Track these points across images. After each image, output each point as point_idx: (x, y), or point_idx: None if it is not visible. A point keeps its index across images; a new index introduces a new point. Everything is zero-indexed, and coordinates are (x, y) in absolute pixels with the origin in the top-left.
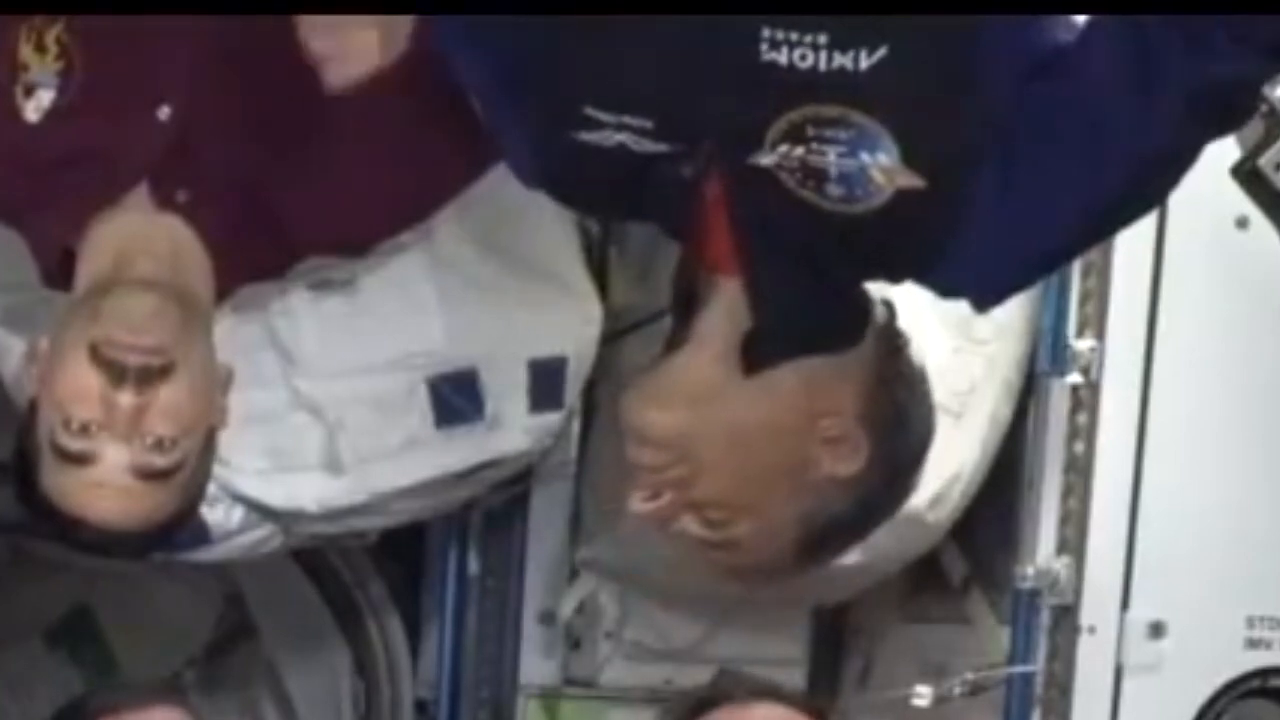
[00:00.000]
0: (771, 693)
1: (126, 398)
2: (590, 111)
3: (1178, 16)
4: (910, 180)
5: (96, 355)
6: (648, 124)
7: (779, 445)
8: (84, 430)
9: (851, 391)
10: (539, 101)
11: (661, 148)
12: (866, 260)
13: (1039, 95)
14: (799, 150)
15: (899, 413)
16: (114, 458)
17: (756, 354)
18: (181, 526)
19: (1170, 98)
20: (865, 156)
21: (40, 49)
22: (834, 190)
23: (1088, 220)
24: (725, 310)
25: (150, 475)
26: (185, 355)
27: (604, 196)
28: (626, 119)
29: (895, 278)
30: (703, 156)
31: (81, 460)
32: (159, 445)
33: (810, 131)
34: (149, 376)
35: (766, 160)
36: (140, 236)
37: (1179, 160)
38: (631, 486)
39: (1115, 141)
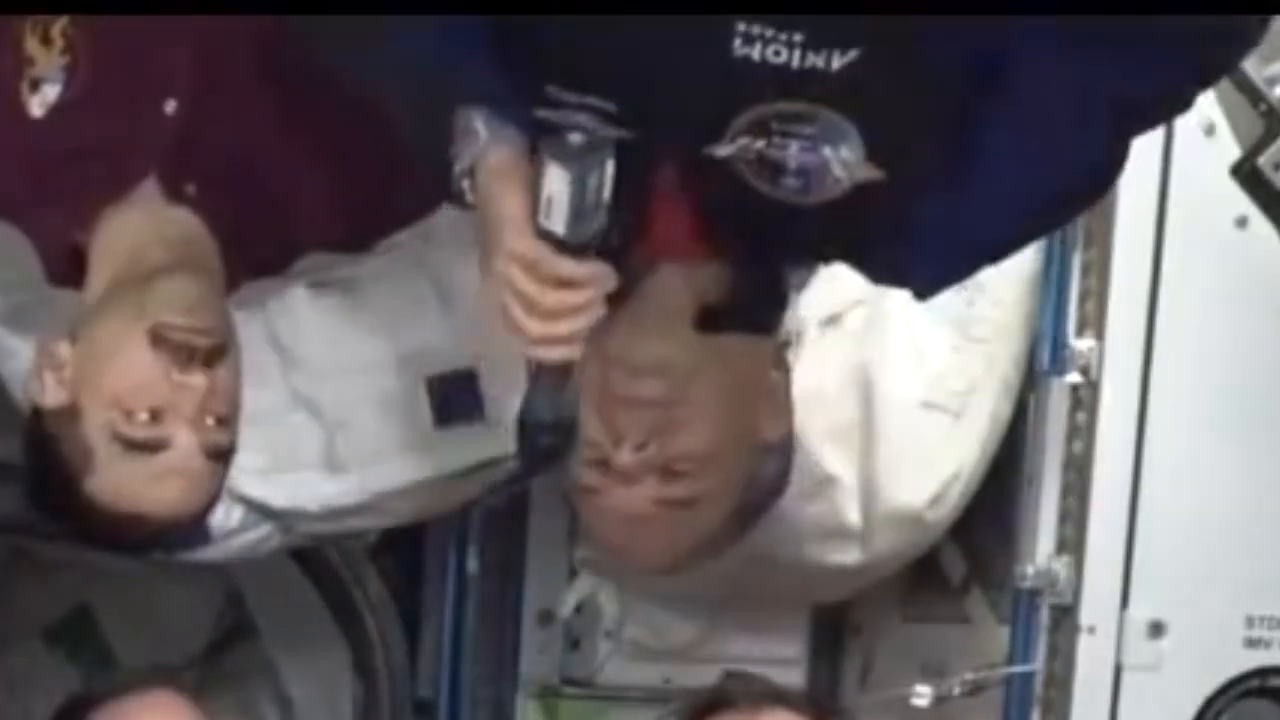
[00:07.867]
0: (779, 697)
1: (197, 379)
2: (552, 90)
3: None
4: (870, 174)
5: (160, 340)
6: (611, 107)
7: (744, 397)
8: (154, 417)
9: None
10: (501, 75)
11: (619, 133)
12: (806, 244)
13: (985, 108)
14: (759, 143)
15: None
16: (186, 441)
17: (708, 324)
18: (205, 517)
19: (1100, 113)
20: (828, 151)
21: (46, 42)
22: (790, 182)
23: (1029, 218)
24: (665, 291)
25: (217, 455)
26: (232, 336)
27: None
28: (590, 100)
29: (830, 259)
30: (656, 145)
31: (154, 448)
32: (221, 424)
33: (775, 125)
34: (213, 357)
35: (723, 151)
36: (152, 230)
37: (1115, 165)
38: (614, 441)
39: (1054, 155)
